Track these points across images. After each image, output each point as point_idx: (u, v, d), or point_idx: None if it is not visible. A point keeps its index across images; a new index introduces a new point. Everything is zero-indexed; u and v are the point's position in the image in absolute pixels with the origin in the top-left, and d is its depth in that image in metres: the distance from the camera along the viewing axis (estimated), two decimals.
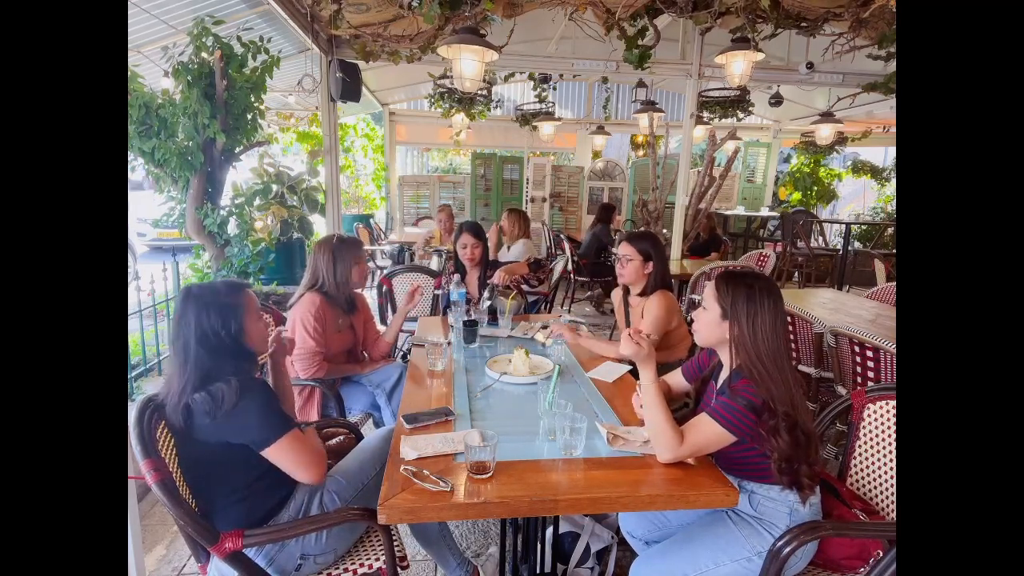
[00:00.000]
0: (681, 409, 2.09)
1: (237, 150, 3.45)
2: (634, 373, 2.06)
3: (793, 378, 1.34)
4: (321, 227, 5.45)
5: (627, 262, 2.34)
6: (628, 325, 2.55)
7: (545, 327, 2.39)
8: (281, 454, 1.36)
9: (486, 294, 2.62)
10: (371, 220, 7.83)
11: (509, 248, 4.47)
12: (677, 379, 1.80)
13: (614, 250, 2.39)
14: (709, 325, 1.43)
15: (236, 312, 1.42)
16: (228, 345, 1.40)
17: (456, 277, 2.74)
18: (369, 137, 9.18)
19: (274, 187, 4.83)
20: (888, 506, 1.59)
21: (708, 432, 1.33)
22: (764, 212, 8.97)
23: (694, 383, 1.77)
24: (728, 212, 8.96)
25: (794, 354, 2.93)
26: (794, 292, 4.15)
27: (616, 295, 2.57)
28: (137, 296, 2.72)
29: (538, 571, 1.84)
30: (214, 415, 1.30)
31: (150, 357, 2.85)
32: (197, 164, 3.20)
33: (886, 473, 1.60)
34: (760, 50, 3.76)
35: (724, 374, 1.49)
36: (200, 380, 1.33)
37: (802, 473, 1.31)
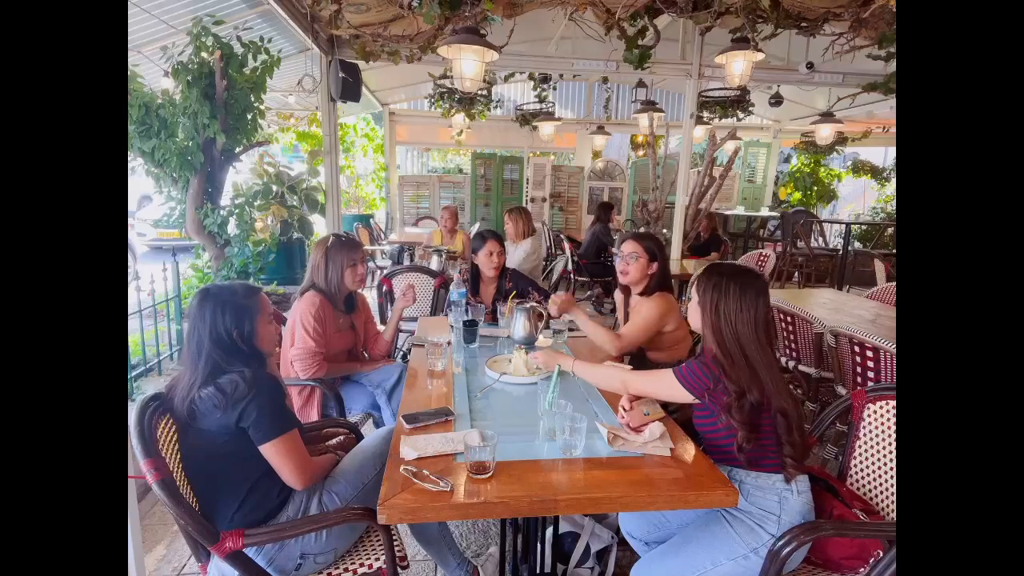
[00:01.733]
0: (673, 414, 2.08)
1: (237, 150, 3.46)
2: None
3: (765, 362, 1.40)
4: (321, 227, 5.45)
5: (633, 260, 2.32)
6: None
7: (547, 328, 2.38)
8: (276, 453, 1.39)
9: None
10: (371, 220, 7.83)
11: (517, 247, 4.47)
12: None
13: (614, 250, 2.35)
14: (693, 313, 1.57)
15: (250, 314, 1.47)
16: (240, 345, 1.43)
17: (457, 277, 2.73)
18: (369, 137, 9.18)
19: (274, 187, 4.83)
20: (888, 506, 1.59)
21: (660, 374, 1.51)
22: (764, 212, 8.98)
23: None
24: (728, 212, 8.97)
25: (794, 354, 2.93)
26: (794, 292, 4.15)
27: (618, 297, 2.57)
28: (137, 296, 2.72)
29: (538, 571, 1.84)
30: (225, 405, 1.33)
31: (150, 357, 2.85)
32: (197, 164, 3.20)
33: (886, 473, 1.60)
34: (760, 50, 3.76)
35: None
36: (209, 376, 1.37)
37: (785, 454, 1.39)
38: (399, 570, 1.46)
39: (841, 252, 7.33)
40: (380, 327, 2.71)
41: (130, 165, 3.21)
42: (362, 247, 2.44)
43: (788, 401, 1.39)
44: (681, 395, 1.47)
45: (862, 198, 10.75)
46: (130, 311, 2.60)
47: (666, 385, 1.49)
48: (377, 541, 1.57)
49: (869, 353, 2.33)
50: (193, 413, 1.35)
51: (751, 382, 1.38)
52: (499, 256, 2.81)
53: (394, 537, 1.47)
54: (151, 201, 8.19)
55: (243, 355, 1.44)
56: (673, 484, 1.30)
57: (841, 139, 7.45)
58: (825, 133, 6.04)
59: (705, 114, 6.31)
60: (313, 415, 2.22)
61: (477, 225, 8.18)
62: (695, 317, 1.56)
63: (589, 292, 6.61)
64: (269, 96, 4.63)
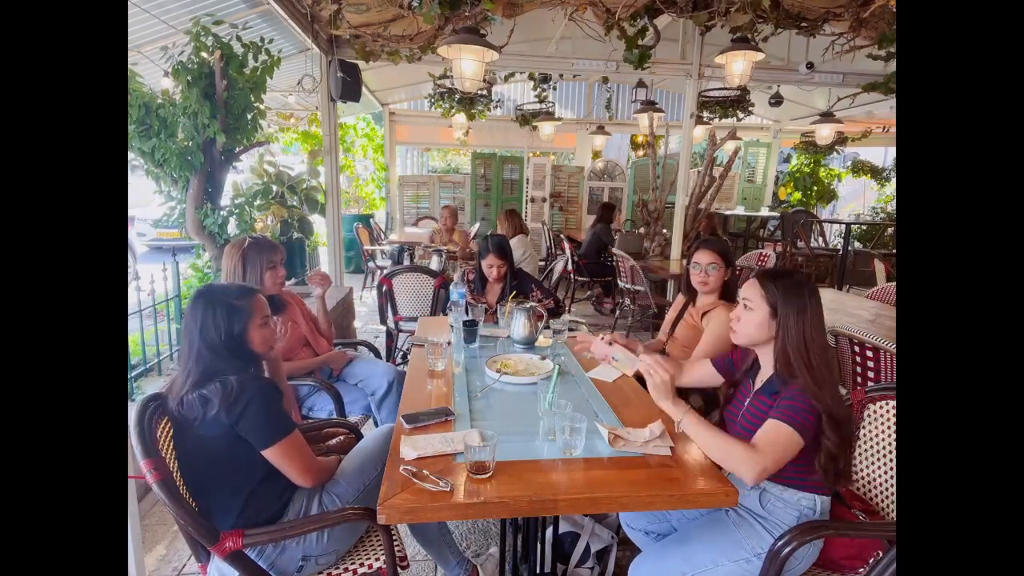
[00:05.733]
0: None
1: (237, 150, 3.45)
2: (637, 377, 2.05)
3: (836, 374, 1.35)
4: (321, 227, 5.45)
5: (713, 270, 2.20)
6: (672, 332, 2.43)
7: (547, 328, 2.38)
8: (280, 456, 1.39)
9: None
10: (371, 220, 7.83)
11: None
12: (704, 370, 1.73)
13: (700, 261, 2.10)
14: (758, 325, 1.41)
15: (242, 314, 1.46)
16: (229, 345, 1.42)
17: (457, 278, 2.74)
18: (369, 137, 9.18)
19: (274, 187, 4.83)
20: (888, 506, 1.58)
21: (783, 439, 1.27)
22: (764, 212, 8.97)
23: (724, 385, 1.69)
24: (728, 212, 8.96)
25: None
26: None
27: (679, 302, 2.45)
28: (137, 296, 2.72)
29: (538, 571, 1.84)
30: (214, 411, 1.32)
31: (150, 357, 2.85)
32: (197, 164, 3.20)
33: (886, 473, 1.60)
34: (760, 50, 3.75)
35: (764, 375, 1.47)
36: (202, 375, 1.37)
37: (843, 473, 1.34)
38: (399, 570, 1.46)
39: (841, 252, 7.33)
40: (381, 326, 2.71)
41: (130, 165, 3.21)
42: (280, 248, 2.28)
43: (849, 417, 1.35)
44: (800, 444, 1.29)
45: (862, 198, 10.75)
46: (130, 311, 2.60)
47: (795, 446, 1.28)
48: (377, 541, 1.57)
49: (869, 353, 2.33)
50: (190, 412, 1.34)
51: (832, 393, 1.30)
52: (499, 269, 2.84)
53: (394, 537, 1.47)
54: None
55: (233, 355, 1.43)
56: (673, 484, 1.30)
57: (841, 139, 7.45)
58: (825, 133, 6.04)
59: (705, 114, 6.31)
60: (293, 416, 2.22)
61: (477, 225, 8.18)
62: (761, 330, 1.40)
63: (589, 292, 6.61)
64: (269, 96, 4.63)
